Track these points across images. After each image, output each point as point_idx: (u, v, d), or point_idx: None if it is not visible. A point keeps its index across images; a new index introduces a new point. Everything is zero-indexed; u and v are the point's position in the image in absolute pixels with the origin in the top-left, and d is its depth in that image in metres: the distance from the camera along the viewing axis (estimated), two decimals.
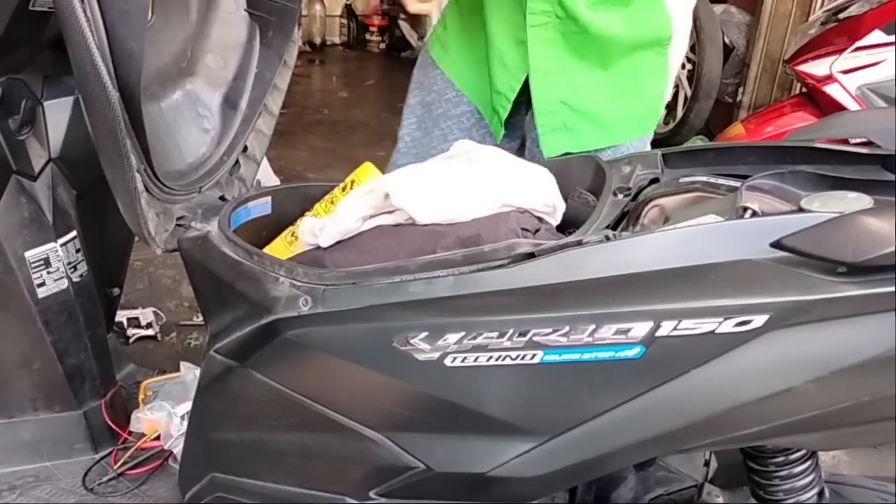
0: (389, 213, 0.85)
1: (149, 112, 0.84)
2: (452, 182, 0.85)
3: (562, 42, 1.18)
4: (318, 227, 0.87)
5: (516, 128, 1.33)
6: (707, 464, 0.93)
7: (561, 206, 0.89)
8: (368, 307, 0.74)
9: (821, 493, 0.78)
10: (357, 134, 4.05)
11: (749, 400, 0.65)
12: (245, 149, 1.04)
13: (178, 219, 0.90)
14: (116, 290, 1.40)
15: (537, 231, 0.85)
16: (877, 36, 2.31)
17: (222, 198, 0.99)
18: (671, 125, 3.77)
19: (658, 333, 0.64)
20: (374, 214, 0.86)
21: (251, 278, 0.81)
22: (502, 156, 0.90)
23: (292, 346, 0.79)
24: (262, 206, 1.00)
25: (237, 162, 1.03)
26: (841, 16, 2.46)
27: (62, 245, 1.15)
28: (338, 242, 0.86)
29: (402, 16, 6.11)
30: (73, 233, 1.17)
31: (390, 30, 6.63)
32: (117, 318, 1.95)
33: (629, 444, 0.70)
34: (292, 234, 0.98)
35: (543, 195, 0.87)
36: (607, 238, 0.77)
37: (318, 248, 0.88)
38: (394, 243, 0.83)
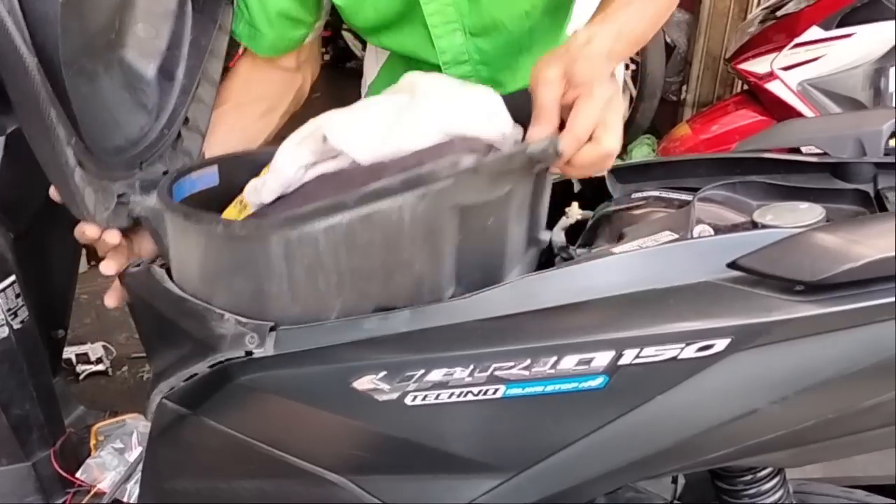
0: (332, 158, 0.79)
1: (79, 88, 0.78)
2: (393, 117, 0.79)
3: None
4: (260, 183, 0.82)
5: None
6: (675, 481, 0.92)
7: (511, 131, 0.82)
8: (323, 348, 0.72)
9: None
10: None
11: (715, 424, 0.64)
12: (186, 120, 0.99)
13: (119, 196, 0.85)
14: (61, 332, 1.35)
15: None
16: (815, 32, 2.36)
17: (166, 173, 0.94)
18: None
19: (620, 362, 0.63)
20: (317, 162, 0.80)
21: (195, 315, 0.78)
22: (445, 82, 0.85)
23: (246, 392, 0.76)
24: (208, 178, 0.94)
25: (179, 135, 0.98)
26: (779, 13, 2.51)
27: (0, 291, 1.10)
28: (281, 197, 0.81)
29: (344, 26, 6.08)
30: (12, 278, 1.12)
31: (334, 41, 6.59)
32: (66, 355, 1.90)
33: (597, 475, 0.68)
34: (241, 202, 0.92)
35: (492, 121, 0.80)
36: (564, 259, 0.76)
37: (263, 207, 0.82)
38: (338, 189, 0.77)
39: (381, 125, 0.77)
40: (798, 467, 0.75)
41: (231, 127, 1.05)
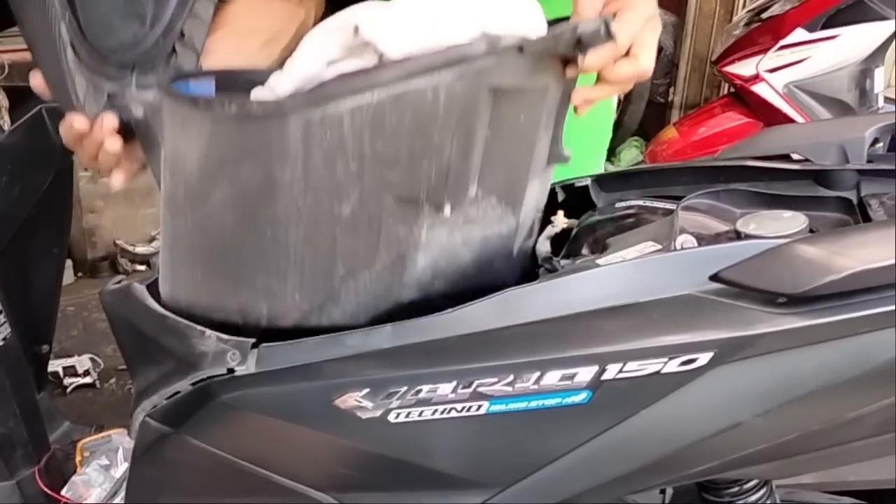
0: (357, 57, 0.74)
1: None
2: (428, 12, 0.74)
3: None
4: (274, 78, 0.75)
5: None
6: (663, 492, 0.92)
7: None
8: (305, 365, 0.71)
9: None
10: None
11: (699, 437, 0.64)
12: (182, 35, 0.96)
13: (110, 97, 0.80)
14: (46, 348, 1.34)
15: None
16: (799, 34, 2.37)
17: None
18: None
19: (604, 377, 0.63)
20: (339, 59, 0.74)
21: (176, 333, 0.77)
22: None
23: (228, 410, 0.75)
24: (205, 87, 0.87)
25: (174, 50, 0.95)
26: (763, 15, 2.52)
27: None
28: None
29: None
30: None
31: None
32: (53, 368, 1.89)
33: (583, 490, 0.68)
34: None
35: (530, 22, 0.76)
36: (548, 270, 0.76)
37: None
38: None
39: (415, 19, 0.72)
40: (784, 479, 0.75)
41: (230, 52, 0.99)
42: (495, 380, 0.66)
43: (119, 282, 0.86)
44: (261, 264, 0.71)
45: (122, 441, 1.24)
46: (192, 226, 0.74)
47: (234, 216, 0.70)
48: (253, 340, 0.73)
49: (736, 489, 0.76)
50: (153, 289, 0.83)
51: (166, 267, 0.79)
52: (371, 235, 0.69)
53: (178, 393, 0.78)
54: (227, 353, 0.73)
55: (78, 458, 1.24)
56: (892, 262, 0.57)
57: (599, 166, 1.32)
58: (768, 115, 2.42)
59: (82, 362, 1.97)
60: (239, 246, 0.71)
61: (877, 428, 0.63)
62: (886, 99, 2.49)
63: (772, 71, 2.37)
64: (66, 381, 1.93)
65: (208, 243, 0.74)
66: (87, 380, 1.95)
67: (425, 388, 0.67)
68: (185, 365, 0.76)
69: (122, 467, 1.17)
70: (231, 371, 0.74)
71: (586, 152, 1.25)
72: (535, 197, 0.80)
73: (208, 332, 0.74)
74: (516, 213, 0.77)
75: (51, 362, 1.72)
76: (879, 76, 2.41)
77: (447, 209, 0.69)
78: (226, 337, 0.74)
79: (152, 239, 2.48)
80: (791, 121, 2.38)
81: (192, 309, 0.77)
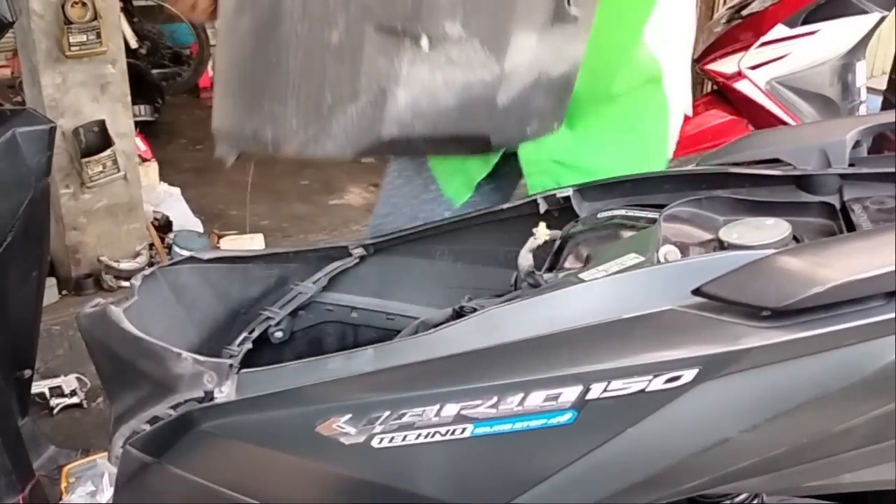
0: None
1: None
2: None
3: None
4: None
5: (496, 189, 1.21)
6: None
7: None
8: (286, 391, 0.70)
9: None
10: (278, 164, 3.97)
11: (687, 454, 0.63)
12: None
13: None
14: (28, 372, 1.32)
15: None
16: (780, 30, 2.37)
17: None
18: None
19: (588, 397, 0.62)
20: None
21: (152, 355, 0.76)
22: None
23: (210, 438, 0.74)
24: None
25: None
26: (744, 12, 2.52)
27: None
28: None
29: None
30: None
31: None
32: (39, 389, 1.87)
33: None
34: None
35: None
36: (531, 285, 0.75)
37: None
38: None
39: None
40: (776, 491, 0.74)
41: None
42: (479, 402, 0.65)
43: (95, 305, 0.85)
44: (267, 90, 0.77)
45: (107, 466, 1.22)
46: (227, 57, 0.82)
47: (251, 45, 0.77)
48: (230, 361, 0.72)
49: (727, 503, 0.75)
50: (130, 312, 0.82)
51: (214, 101, 0.84)
52: (355, 64, 0.74)
53: (156, 418, 0.77)
54: (204, 376, 0.73)
55: (63, 485, 1.22)
56: (876, 272, 0.56)
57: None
58: (752, 113, 2.42)
59: (69, 382, 1.95)
60: (253, 73, 0.78)
61: (866, 439, 0.63)
62: (869, 90, 2.49)
63: (753, 68, 2.37)
64: (53, 401, 1.91)
65: (235, 72, 0.81)
66: (74, 400, 1.93)
67: (408, 412, 0.66)
68: (161, 388, 0.75)
69: (107, 493, 1.15)
70: (209, 394, 0.73)
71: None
72: (531, 53, 0.80)
73: (184, 354, 0.74)
74: (500, 61, 0.78)
75: (36, 383, 1.70)
76: (861, 70, 2.41)
77: (424, 42, 0.73)
78: (201, 358, 0.73)
79: (137, 255, 2.46)
80: (775, 117, 2.38)
81: (226, 135, 0.83)
